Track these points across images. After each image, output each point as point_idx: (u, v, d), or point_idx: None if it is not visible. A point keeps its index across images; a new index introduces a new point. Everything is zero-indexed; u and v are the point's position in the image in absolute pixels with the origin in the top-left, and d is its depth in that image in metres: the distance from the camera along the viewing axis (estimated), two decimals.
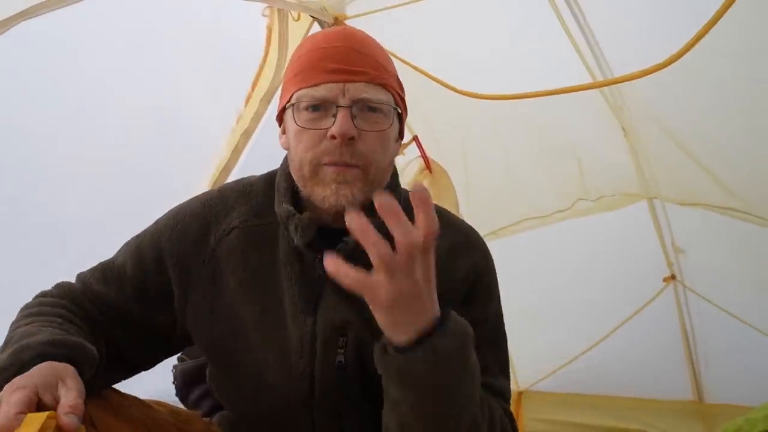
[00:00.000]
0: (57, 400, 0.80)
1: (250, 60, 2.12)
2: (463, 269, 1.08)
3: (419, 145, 2.32)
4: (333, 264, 0.76)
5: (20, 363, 0.87)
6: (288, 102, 1.04)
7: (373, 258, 0.76)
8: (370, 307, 0.81)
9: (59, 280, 1.15)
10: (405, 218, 0.77)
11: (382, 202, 0.75)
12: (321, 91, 0.99)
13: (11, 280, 1.69)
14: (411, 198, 0.77)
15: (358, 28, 1.12)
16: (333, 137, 0.97)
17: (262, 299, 1.07)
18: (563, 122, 2.17)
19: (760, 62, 1.54)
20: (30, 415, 0.76)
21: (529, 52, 2.00)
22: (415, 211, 0.77)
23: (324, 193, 0.99)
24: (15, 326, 1.00)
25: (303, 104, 1.00)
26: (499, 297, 1.15)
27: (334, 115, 0.98)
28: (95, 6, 1.58)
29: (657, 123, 1.95)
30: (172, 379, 1.38)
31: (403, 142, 2.25)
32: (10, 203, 1.72)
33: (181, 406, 1.31)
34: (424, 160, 2.33)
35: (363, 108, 1.00)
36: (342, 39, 1.03)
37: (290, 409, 1.07)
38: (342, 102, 0.98)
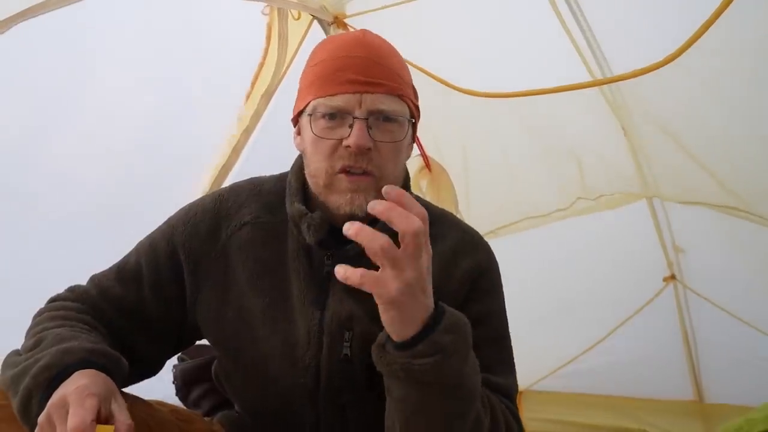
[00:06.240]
0: (109, 413, 0.85)
1: (250, 58, 2.12)
2: (466, 267, 1.10)
3: (419, 144, 2.31)
4: (342, 270, 0.80)
5: (62, 365, 0.90)
6: (304, 108, 1.06)
7: (377, 253, 0.78)
8: (379, 304, 0.82)
9: (56, 281, 1.16)
10: (403, 209, 0.80)
11: (389, 190, 0.80)
12: (338, 102, 1.01)
13: (11, 280, 1.70)
14: (387, 197, 0.81)
15: (368, 29, 1.12)
16: (349, 147, 1.00)
17: (270, 293, 1.09)
18: (563, 121, 2.17)
19: (758, 60, 1.54)
20: (100, 426, 0.82)
21: (529, 51, 2.00)
22: (399, 203, 0.80)
23: (339, 202, 1.02)
24: (41, 328, 1.01)
25: (319, 113, 1.03)
26: (502, 295, 1.16)
27: (351, 126, 1.00)
28: (94, 6, 1.58)
29: (656, 121, 1.95)
30: (172, 379, 1.38)
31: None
32: (9, 204, 1.72)
33: (180, 405, 1.32)
34: (424, 159, 2.33)
35: (379, 119, 1.02)
36: (361, 48, 1.04)
37: (296, 401, 1.09)
38: (358, 113, 1.00)
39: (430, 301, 0.85)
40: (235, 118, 2.17)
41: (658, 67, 1.38)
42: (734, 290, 2.49)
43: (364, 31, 1.09)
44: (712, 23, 1.22)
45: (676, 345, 2.94)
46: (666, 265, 2.75)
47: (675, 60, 1.33)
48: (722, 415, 2.85)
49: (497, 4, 1.91)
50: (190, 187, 2.13)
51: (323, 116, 1.02)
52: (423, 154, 2.33)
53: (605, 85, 1.93)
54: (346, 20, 2.08)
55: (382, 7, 2.00)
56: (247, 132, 2.17)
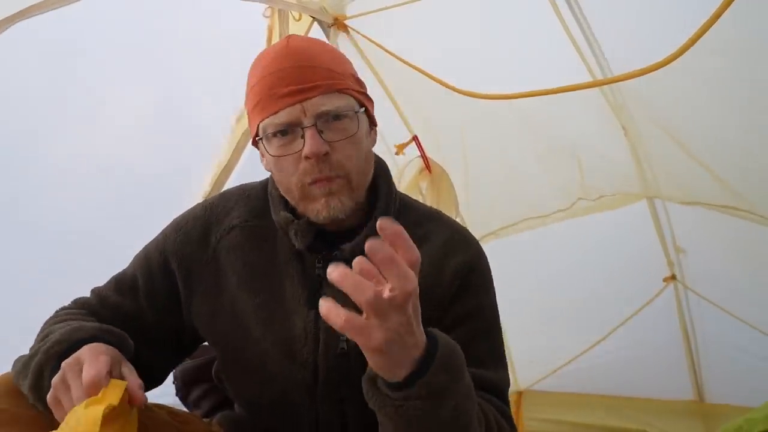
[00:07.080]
0: (119, 375, 0.87)
1: (251, 60, 2.12)
2: (456, 265, 1.10)
3: (419, 145, 2.31)
4: (325, 308, 0.74)
5: (73, 341, 0.93)
6: (256, 134, 1.08)
7: (360, 304, 0.73)
8: (363, 351, 0.78)
9: (52, 282, 1.18)
10: (400, 261, 0.73)
11: (384, 226, 0.73)
12: (282, 117, 1.02)
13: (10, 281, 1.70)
14: (381, 233, 0.73)
15: (294, 34, 1.13)
16: (308, 157, 1.00)
17: (262, 293, 1.11)
18: (563, 121, 2.17)
19: (759, 60, 1.54)
20: (113, 380, 0.85)
21: (529, 52, 2.00)
22: (393, 245, 0.73)
23: (316, 208, 1.04)
24: (48, 330, 1.03)
25: (270, 133, 1.04)
26: (493, 292, 1.17)
27: (303, 136, 1.01)
28: (94, 5, 1.58)
29: (657, 121, 1.95)
30: (172, 380, 1.38)
31: (402, 142, 2.29)
32: (9, 206, 1.72)
33: (180, 406, 1.32)
34: (424, 160, 2.32)
35: (328, 120, 1.02)
36: (289, 58, 1.04)
37: (294, 397, 1.10)
38: (305, 122, 1.01)
39: (420, 338, 0.79)
40: (235, 120, 2.17)
41: (658, 68, 1.37)
42: (734, 290, 2.49)
43: (289, 37, 1.09)
44: (713, 23, 1.21)
45: (676, 345, 2.94)
46: (666, 265, 2.75)
47: (676, 60, 1.33)
48: (722, 415, 2.85)
49: (497, 4, 1.91)
50: (191, 188, 2.13)
51: (274, 135, 1.03)
52: (423, 156, 2.32)
53: (606, 85, 1.93)
54: (347, 22, 2.09)
55: (383, 8, 2.00)
56: (248, 133, 2.17)
